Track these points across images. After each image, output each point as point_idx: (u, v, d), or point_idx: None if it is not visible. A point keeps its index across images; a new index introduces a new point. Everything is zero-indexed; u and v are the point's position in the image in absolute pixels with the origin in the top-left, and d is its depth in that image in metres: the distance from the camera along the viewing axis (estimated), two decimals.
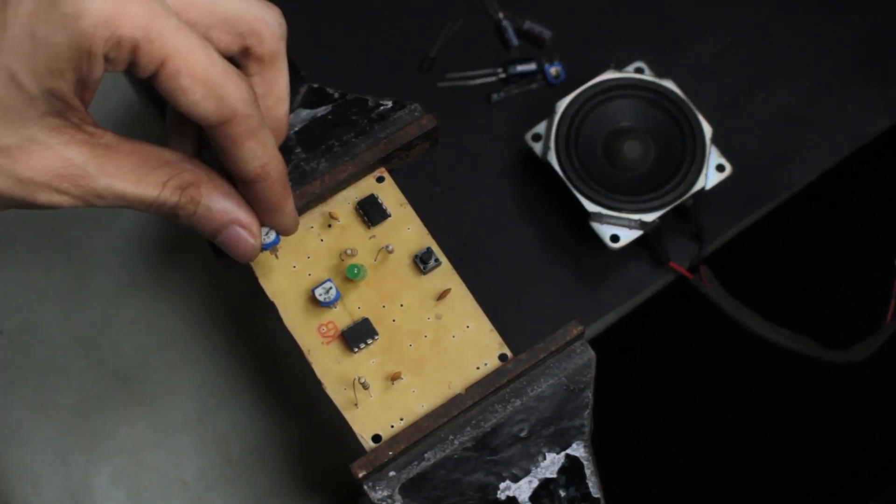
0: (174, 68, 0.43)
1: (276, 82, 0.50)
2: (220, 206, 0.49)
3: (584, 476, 0.52)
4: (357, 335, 0.53)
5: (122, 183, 0.46)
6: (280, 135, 0.51)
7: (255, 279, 0.55)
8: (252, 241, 0.50)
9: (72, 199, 0.46)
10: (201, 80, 0.44)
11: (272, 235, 0.53)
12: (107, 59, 0.43)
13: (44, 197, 0.45)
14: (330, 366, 0.53)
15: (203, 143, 0.51)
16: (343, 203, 0.56)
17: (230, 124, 0.46)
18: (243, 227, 0.49)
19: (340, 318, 0.54)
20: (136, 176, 0.46)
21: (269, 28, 0.48)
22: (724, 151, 0.70)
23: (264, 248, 0.53)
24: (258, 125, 0.46)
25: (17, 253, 0.70)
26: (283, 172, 0.49)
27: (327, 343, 0.54)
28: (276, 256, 0.55)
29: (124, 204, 0.47)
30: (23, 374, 0.68)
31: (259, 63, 0.49)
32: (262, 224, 0.50)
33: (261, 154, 0.47)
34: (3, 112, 0.43)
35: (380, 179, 0.56)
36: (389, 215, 0.56)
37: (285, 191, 0.49)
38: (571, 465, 0.52)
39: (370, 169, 0.56)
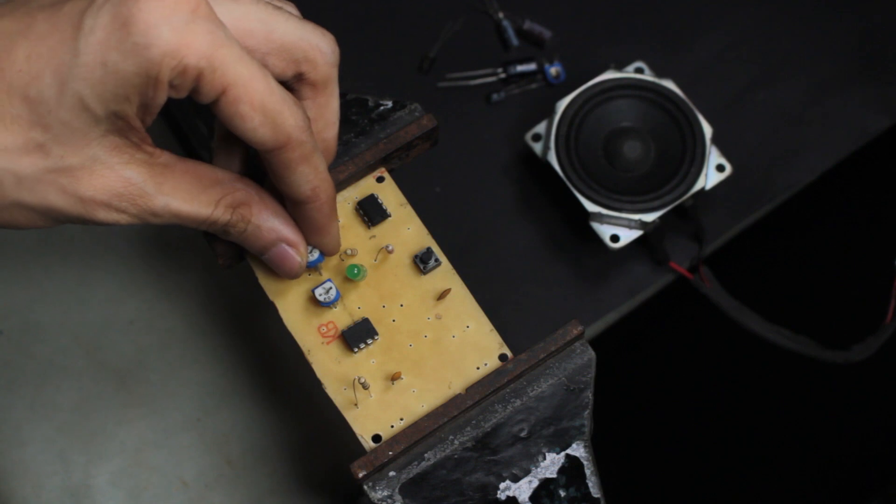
0: (234, 96, 0.45)
1: (328, 106, 0.51)
2: (270, 224, 0.51)
3: (584, 476, 0.52)
4: (357, 335, 0.53)
5: (177, 202, 0.48)
6: (329, 156, 0.52)
7: (256, 279, 0.55)
8: (298, 259, 0.52)
9: (129, 218, 0.48)
10: (259, 108, 0.45)
11: (316, 254, 0.53)
12: (171, 86, 0.44)
13: (102, 215, 0.47)
14: (330, 366, 0.53)
15: (249, 160, 0.52)
16: (343, 203, 0.56)
17: (285, 150, 0.47)
18: (290, 245, 0.52)
19: (340, 318, 0.54)
20: (190, 195, 0.48)
21: (324, 55, 0.49)
22: (724, 151, 0.70)
23: (308, 266, 0.54)
24: (311, 150, 0.48)
25: (17, 253, 0.70)
26: (332, 195, 0.51)
27: (327, 343, 0.54)
28: (320, 273, 0.55)
29: (178, 221, 0.49)
30: (23, 374, 0.68)
31: (312, 88, 0.50)
32: (307, 243, 0.52)
33: (312, 178, 0.49)
34: (70, 133, 0.45)
35: (380, 179, 0.56)
36: (389, 215, 0.56)
37: (332, 212, 0.51)
38: (571, 465, 0.52)
39: (370, 169, 0.56)
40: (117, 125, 0.45)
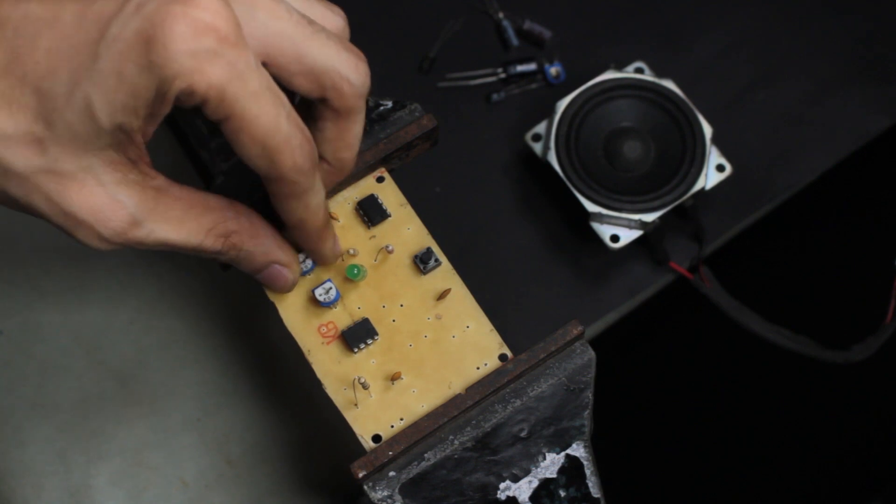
0: (237, 126, 0.45)
1: (349, 130, 0.50)
2: (262, 249, 0.51)
3: (584, 476, 0.52)
4: (357, 335, 0.53)
5: (165, 229, 0.48)
6: (342, 175, 0.52)
7: (256, 279, 0.55)
8: (291, 276, 0.53)
9: (110, 246, 0.48)
10: (259, 143, 0.45)
11: (308, 263, 0.54)
12: (177, 99, 0.44)
13: (82, 234, 0.47)
14: (330, 366, 0.53)
15: None
16: (343, 203, 0.56)
17: (277, 183, 0.47)
18: (283, 265, 0.52)
19: (340, 318, 0.54)
20: (180, 222, 0.48)
21: (352, 87, 0.48)
22: (724, 151, 0.70)
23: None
24: (304, 190, 0.48)
25: (18, 253, 0.70)
26: (319, 226, 0.51)
27: (327, 343, 0.54)
28: (309, 275, 0.55)
29: (165, 248, 0.48)
30: (23, 374, 0.68)
31: (335, 113, 0.49)
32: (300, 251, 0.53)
33: (300, 212, 0.49)
34: (70, 137, 0.45)
35: (380, 179, 0.56)
36: (389, 215, 0.56)
37: (320, 238, 0.52)
38: (571, 465, 0.52)
39: (370, 169, 0.56)
40: (118, 138, 0.45)
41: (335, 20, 0.50)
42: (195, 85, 0.43)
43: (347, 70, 0.48)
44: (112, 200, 0.46)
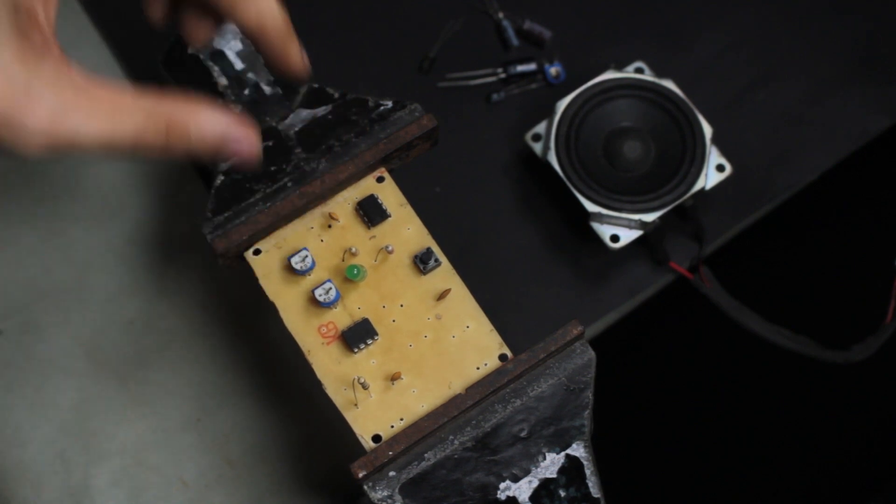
0: None
1: None
2: (210, 126, 0.48)
3: (584, 476, 0.52)
4: (357, 335, 0.53)
5: (94, 124, 0.45)
6: (283, 29, 0.51)
7: (256, 279, 0.55)
8: (253, 146, 0.50)
9: (41, 148, 0.44)
10: None
11: (308, 262, 0.53)
12: None
13: (7, 133, 0.44)
14: (330, 366, 0.53)
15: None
16: (343, 203, 0.56)
17: None
18: (240, 138, 0.49)
19: (340, 318, 0.54)
20: (109, 116, 0.46)
21: None
22: (724, 151, 0.70)
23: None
24: None
25: (18, 253, 0.70)
26: (279, 28, 0.50)
27: (327, 343, 0.54)
28: (309, 275, 0.55)
29: (104, 149, 0.45)
30: (23, 374, 0.68)
31: None
32: (276, 74, 0.53)
33: (254, 16, 0.49)
34: None
35: (380, 179, 0.56)
36: (389, 215, 0.56)
37: (286, 42, 0.51)
38: (571, 465, 0.52)
39: (370, 169, 0.56)
40: (20, 21, 0.43)
41: None
42: None
43: None
44: (27, 95, 0.44)
